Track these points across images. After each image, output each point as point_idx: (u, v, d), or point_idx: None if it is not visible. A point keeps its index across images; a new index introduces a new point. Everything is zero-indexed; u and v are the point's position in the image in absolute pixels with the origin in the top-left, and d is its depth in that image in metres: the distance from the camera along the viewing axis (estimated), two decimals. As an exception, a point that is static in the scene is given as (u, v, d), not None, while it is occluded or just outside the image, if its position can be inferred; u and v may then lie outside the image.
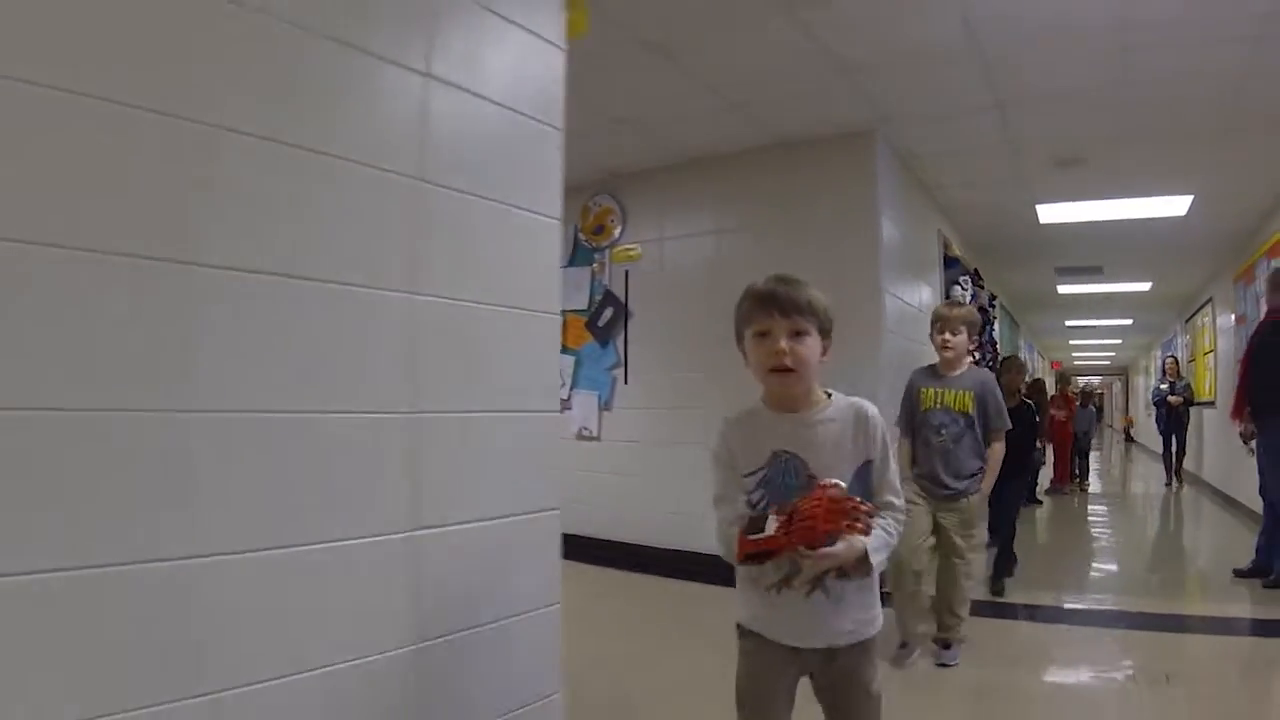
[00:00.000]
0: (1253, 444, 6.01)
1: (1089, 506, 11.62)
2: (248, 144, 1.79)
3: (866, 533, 1.87)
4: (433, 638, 2.14)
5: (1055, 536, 9.16)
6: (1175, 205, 7.72)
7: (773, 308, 1.97)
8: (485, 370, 2.33)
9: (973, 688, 3.91)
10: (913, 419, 4.27)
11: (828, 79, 4.92)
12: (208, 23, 1.73)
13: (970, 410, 4.13)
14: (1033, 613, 5.29)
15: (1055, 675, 4.23)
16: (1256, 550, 6.01)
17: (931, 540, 4.15)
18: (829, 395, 2.09)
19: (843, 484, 1.86)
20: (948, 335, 4.20)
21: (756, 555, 1.85)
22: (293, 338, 1.87)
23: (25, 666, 1.44)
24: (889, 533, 1.98)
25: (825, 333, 2.04)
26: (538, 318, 2.51)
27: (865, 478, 2.02)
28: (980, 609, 4.97)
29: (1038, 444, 7.65)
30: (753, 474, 2.01)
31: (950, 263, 8.18)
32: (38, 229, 1.47)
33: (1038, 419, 7.05)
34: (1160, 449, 13.73)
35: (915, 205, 6.97)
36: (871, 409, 2.06)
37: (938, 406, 4.18)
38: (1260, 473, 5.98)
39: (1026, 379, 8.97)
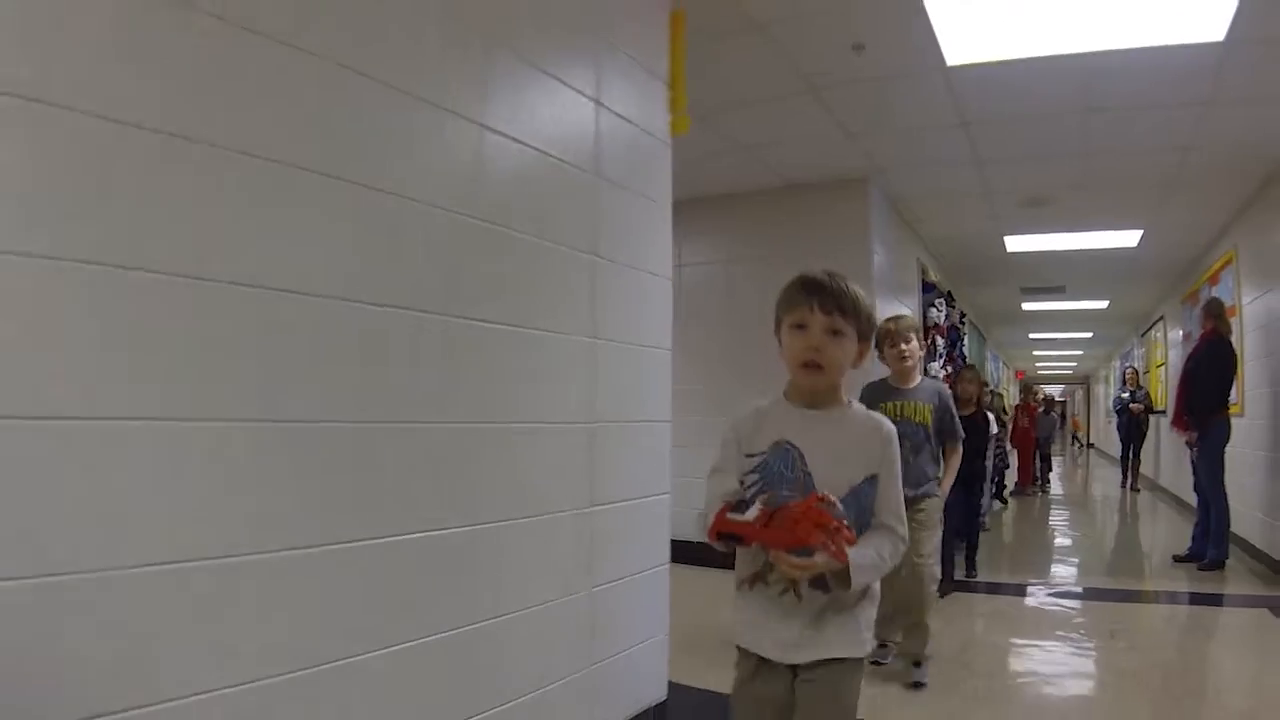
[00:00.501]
0: (1194, 448, 6.97)
1: (1051, 506, 12.64)
2: (527, 243, 2.67)
3: (839, 557, 1.79)
4: (601, 584, 3.04)
5: (1019, 529, 10.16)
6: (1127, 238, 8.77)
7: (814, 300, 1.96)
8: (631, 390, 3.24)
9: (956, 645, 4.83)
10: None
11: (834, 139, 5.87)
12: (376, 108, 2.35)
13: (929, 422, 4.15)
14: (999, 588, 6.28)
15: (1020, 634, 5.16)
16: (1193, 539, 7.02)
17: None
18: (849, 403, 2.08)
19: (838, 503, 1.84)
20: (902, 345, 4.17)
21: (727, 535, 1.85)
22: (525, 371, 2.75)
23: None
24: (882, 556, 1.93)
25: (864, 336, 2.03)
26: (658, 352, 3.43)
27: (866, 494, 1.98)
28: (957, 584, 5.98)
29: (988, 453, 7.73)
30: (754, 456, 1.98)
31: (927, 287, 9.18)
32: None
33: (997, 428, 8.02)
34: (1119, 454, 14.72)
35: (899, 238, 7.95)
36: (889, 427, 2.03)
37: (898, 418, 3.99)
38: (1194, 471, 6.99)
39: (989, 391, 9.72)
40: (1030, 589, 6.37)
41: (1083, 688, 4.20)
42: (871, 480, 1.97)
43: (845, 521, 1.81)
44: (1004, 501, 11.96)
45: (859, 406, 2.07)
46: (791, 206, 6.94)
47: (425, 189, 2.33)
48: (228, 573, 1.82)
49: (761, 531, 1.79)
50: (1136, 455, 13.76)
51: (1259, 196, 7.03)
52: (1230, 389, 6.74)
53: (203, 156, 1.78)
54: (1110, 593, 6.26)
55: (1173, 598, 6.09)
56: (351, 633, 2.10)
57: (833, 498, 1.82)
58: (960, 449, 4.35)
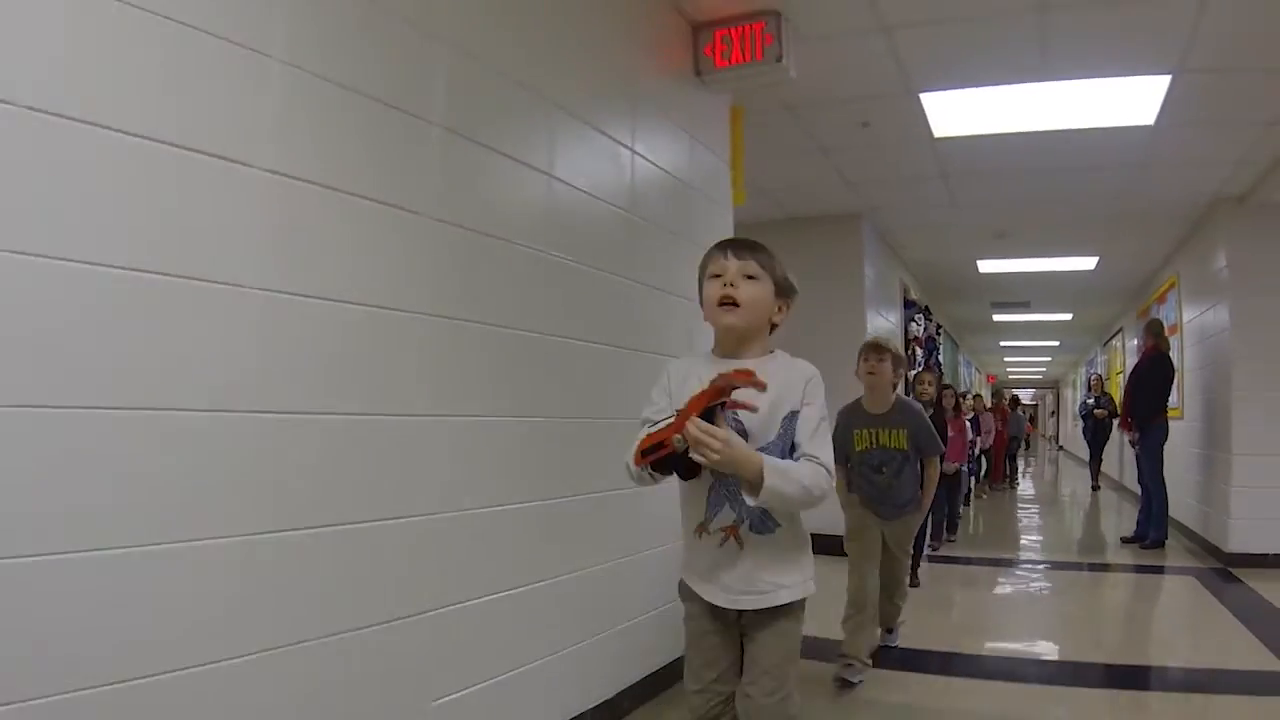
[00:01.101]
0: (1136, 446, 8.20)
1: (1019, 499, 13.82)
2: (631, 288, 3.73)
3: (752, 380, 1.82)
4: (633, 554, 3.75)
5: (993, 517, 11.31)
6: (1085, 263, 9.97)
7: (727, 249, 2.06)
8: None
9: (940, 597, 5.94)
10: (847, 454, 4.16)
11: (836, 186, 7.00)
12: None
13: (906, 446, 4.10)
14: (974, 560, 7.43)
15: (993, 590, 6.31)
16: (1138, 523, 8.22)
17: (879, 552, 4.25)
18: (774, 351, 2.12)
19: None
20: (872, 362, 4.11)
21: (651, 450, 1.86)
22: (614, 378, 3.63)
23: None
24: (802, 474, 1.90)
25: (781, 292, 2.09)
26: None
27: (790, 427, 2.00)
28: (936, 559, 7.16)
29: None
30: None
31: (908, 304, 10.37)
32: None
33: (972, 434, 9.16)
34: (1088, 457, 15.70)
35: (886, 263, 9.09)
36: (813, 369, 2.07)
37: (874, 446, 4.13)
38: (1139, 465, 8.19)
39: (957, 392, 10.56)
40: (1000, 560, 7.59)
41: (1040, 625, 5.35)
42: (794, 416, 2.00)
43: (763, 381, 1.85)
44: (979, 496, 13.04)
45: (784, 354, 2.11)
46: (795, 237, 7.98)
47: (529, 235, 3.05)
48: (486, 520, 2.83)
49: (676, 421, 1.82)
50: (1100, 457, 14.60)
51: (1195, 232, 8.24)
52: (1168, 397, 7.95)
53: (425, 228, 2.57)
54: (1066, 564, 7.53)
55: (1117, 567, 7.32)
56: (530, 565, 3.02)
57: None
58: (939, 462, 4.34)
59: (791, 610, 2.06)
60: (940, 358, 12.37)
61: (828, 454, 1.97)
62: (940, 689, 3.96)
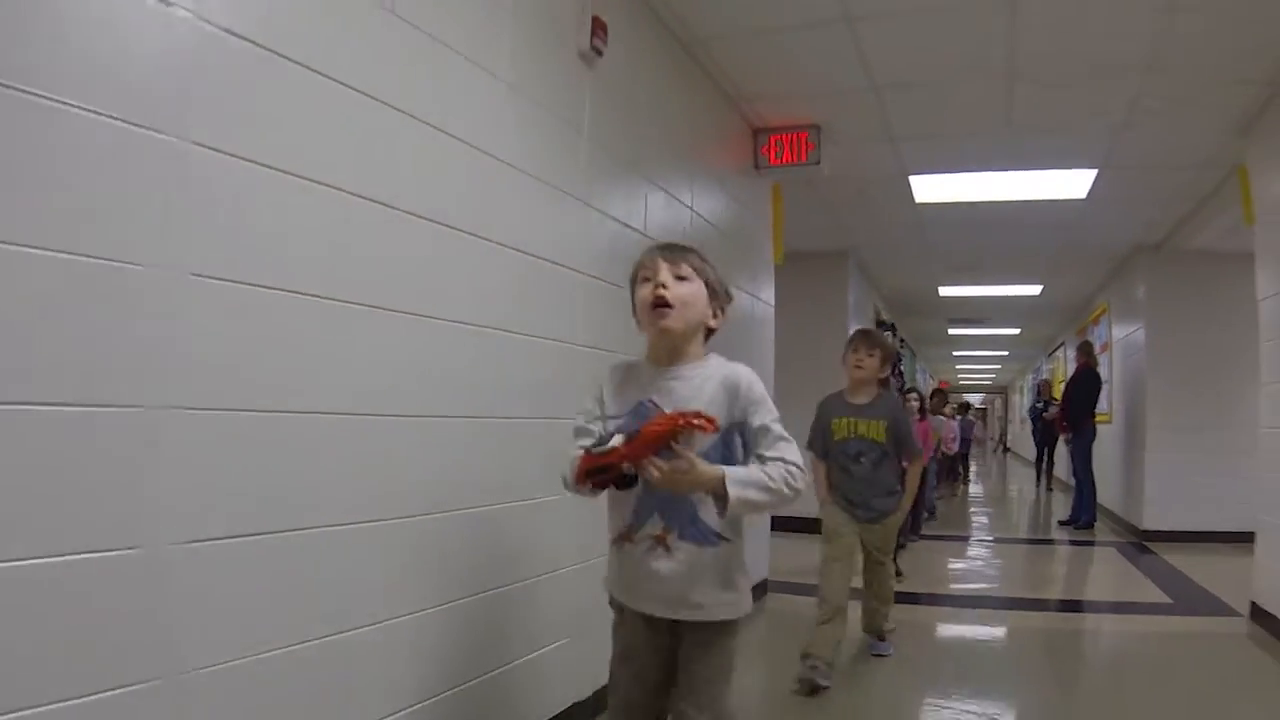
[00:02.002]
0: (1070, 445, 9.99)
1: (970, 497, 15.56)
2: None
3: (708, 427, 1.74)
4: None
5: (950, 507, 12.98)
6: (1031, 289, 11.70)
7: (657, 251, 1.99)
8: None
9: (916, 561, 7.49)
10: (826, 445, 4.20)
11: (832, 231, 8.61)
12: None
13: (884, 439, 4.08)
14: (940, 536, 9.10)
15: (956, 556, 7.94)
16: (1072, 508, 9.96)
17: (857, 556, 4.22)
18: (708, 357, 2.03)
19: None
20: (862, 355, 4.11)
21: (594, 471, 1.79)
22: None
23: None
24: (770, 476, 1.82)
25: (715, 294, 2.02)
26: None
27: (734, 444, 1.94)
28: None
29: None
30: (616, 418, 1.96)
31: (879, 323, 12.04)
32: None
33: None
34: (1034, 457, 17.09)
35: (863, 289, 10.72)
36: (746, 373, 1.96)
37: (852, 436, 4.12)
38: (1072, 459, 9.99)
39: (921, 395, 11.97)
40: (958, 537, 9.24)
41: (991, 578, 7.00)
42: (736, 427, 1.92)
43: (702, 410, 1.78)
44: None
45: (717, 358, 2.02)
46: (793, 268, 9.33)
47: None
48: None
49: (629, 449, 1.74)
50: (1050, 458, 15.37)
51: (1121, 269, 9.98)
52: (1096, 404, 9.71)
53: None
54: (1013, 539, 9.34)
55: (1055, 542, 9.13)
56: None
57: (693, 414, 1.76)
58: (919, 464, 4.36)
59: (728, 628, 1.95)
60: (903, 368, 14.05)
61: (793, 452, 1.88)
62: (924, 614, 5.54)
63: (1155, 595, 6.16)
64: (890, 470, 4.17)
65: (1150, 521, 8.60)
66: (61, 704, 1.52)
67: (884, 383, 4.72)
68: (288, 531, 2.03)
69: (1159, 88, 4.76)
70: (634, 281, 2.04)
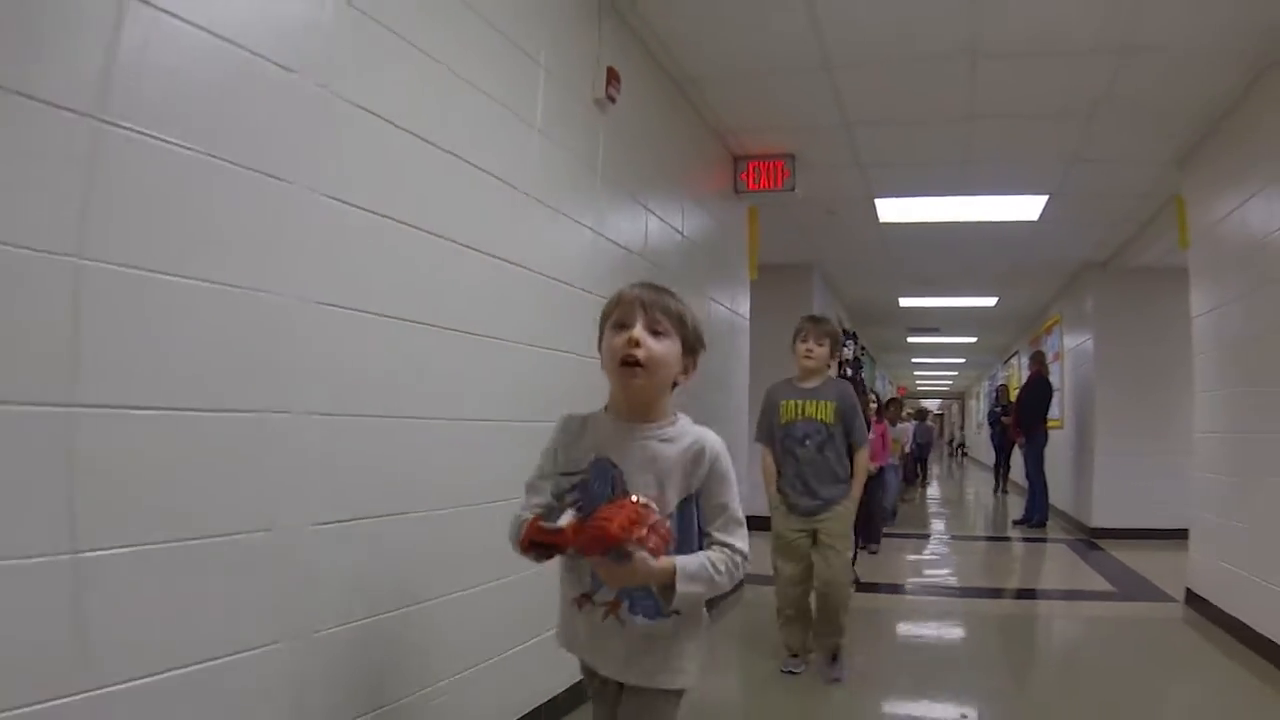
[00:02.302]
0: (1023, 449, 10.58)
1: (929, 499, 16.17)
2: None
3: (657, 552, 1.63)
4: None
5: (911, 507, 13.58)
6: (987, 301, 12.30)
7: (637, 301, 1.80)
8: (724, 411, 6.30)
9: (883, 556, 8.00)
10: (773, 431, 4.14)
11: (799, 245, 9.10)
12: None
13: (831, 420, 4.01)
14: (903, 534, 9.62)
15: (919, 552, 8.45)
16: (1025, 508, 10.55)
17: (809, 561, 4.11)
18: (676, 417, 1.89)
19: (655, 506, 1.66)
20: (811, 344, 4.08)
21: (539, 545, 1.68)
22: None
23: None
24: (716, 568, 1.75)
25: (689, 349, 1.86)
26: (740, 393, 6.53)
27: (689, 513, 1.83)
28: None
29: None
30: (571, 474, 1.85)
31: (843, 333, 12.57)
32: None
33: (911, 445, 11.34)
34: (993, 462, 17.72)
35: (827, 299, 11.23)
36: (713, 442, 1.85)
37: (799, 418, 4.06)
38: (1025, 462, 10.59)
39: (880, 398, 12.36)
40: (920, 535, 9.78)
41: (950, 570, 7.51)
42: (695, 497, 1.82)
43: (664, 519, 1.67)
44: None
45: (686, 422, 1.89)
46: (761, 279, 9.96)
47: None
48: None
49: (574, 536, 1.63)
50: (1007, 462, 15.46)
51: (1071, 283, 10.59)
52: (1048, 410, 10.31)
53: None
54: (970, 536, 9.94)
55: (1009, 540, 9.68)
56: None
57: (651, 503, 1.65)
58: (867, 450, 4.21)
59: (670, 696, 1.88)
60: (863, 374, 14.60)
61: (742, 538, 1.82)
62: (893, 601, 6.04)
63: (1101, 585, 6.70)
64: (836, 456, 4.05)
65: (1098, 520, 9.19)
66: (212, 661, 1.90)
67: (853, 380, 4.58)
68: (395, 515, 2.49)
69: (1106, 127, 5.30)
70: (605, 318, 1.87)
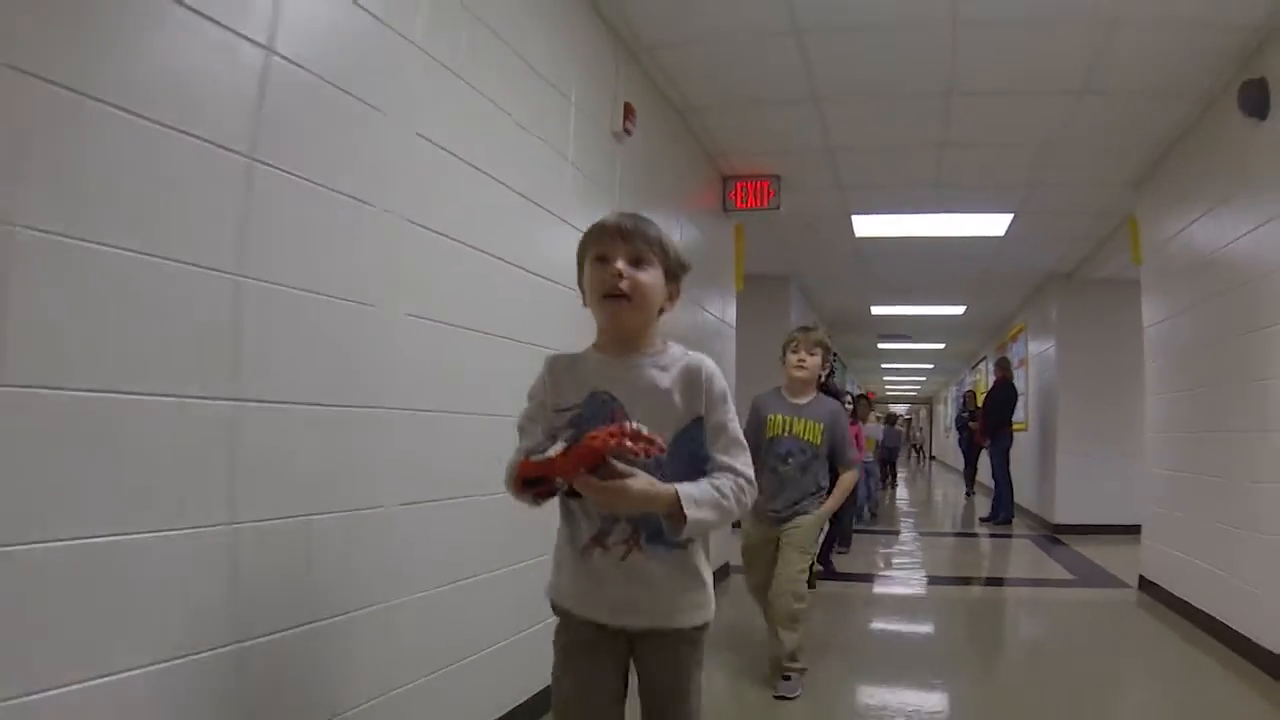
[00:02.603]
0: (988, 451, 11.16)
1: (898, 499, 16.75)
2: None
3: (650, 451, 1.52)
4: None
5: (886, 508, 14.15)
6: (956, 309, 12.87)
7: (616, 231, 1.76)
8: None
9: (856, 551, 8.49)
10: (758, 443, 3.88)
11: (779, 260, 9.59)
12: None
13: (818, 443, 3.91)
14: (875, 531, 10.13)
15: (890, 546, 8.95)
16: (992, 507, 11.12)
17: (770, 574, 3.95)
18: (665, 344, 1.84)
19: (645, 429, 1.53)
20: (803, 355, 3.99)
21: (533, 481, 1.62)
22: None
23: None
24: (723, 493, 1.68)
25: (672, 275, 1.83)
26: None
27: (695, 438, 1.75)
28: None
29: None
30: (566, 410, 1.79)
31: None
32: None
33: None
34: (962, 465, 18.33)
35: (804, 308, 11.74)
36: (708, 364, 1.79)
37: (785, 434, 3.95)
38: (992, 463, 11.20)
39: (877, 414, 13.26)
40: (892, 532, 10.30)
41: (920, 563, 8.01)
42: (698, 422, 1.76)
43: (654, 434, 1.53)
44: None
45: (676, 346, 1.84)
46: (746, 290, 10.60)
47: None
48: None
49: (563, 461, 1.56)
50: (975, 464, 15.79)
51: (1036, 294, 11.18)
52: (1013, 414, 10.91)
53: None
54: (940, 532, 10.56)
55: (975, 536, 10.26)
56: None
57: (641, 427, 1.53)
58: (855, 473, 4.10)
59: (697, 634, 1.83)
60: (835, 380, 15.12)
61: (744, 460, 1.77)
62: (865, 590, 6.54)
63: (1062, 574, 7.24)
64: (815, 475, 3.95)
65: (1061, 516, 9.76)
66: (323, 621, 2.26)
67: (825, 386, 4.58)
68: (460, 498, 2.91)
69: (1067, 154, 5.83)
70: (583, 254, 1.84)
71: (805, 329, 4.18)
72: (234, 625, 1.97)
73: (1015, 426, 10.94)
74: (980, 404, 12.86)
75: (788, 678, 3.85)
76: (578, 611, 1.82)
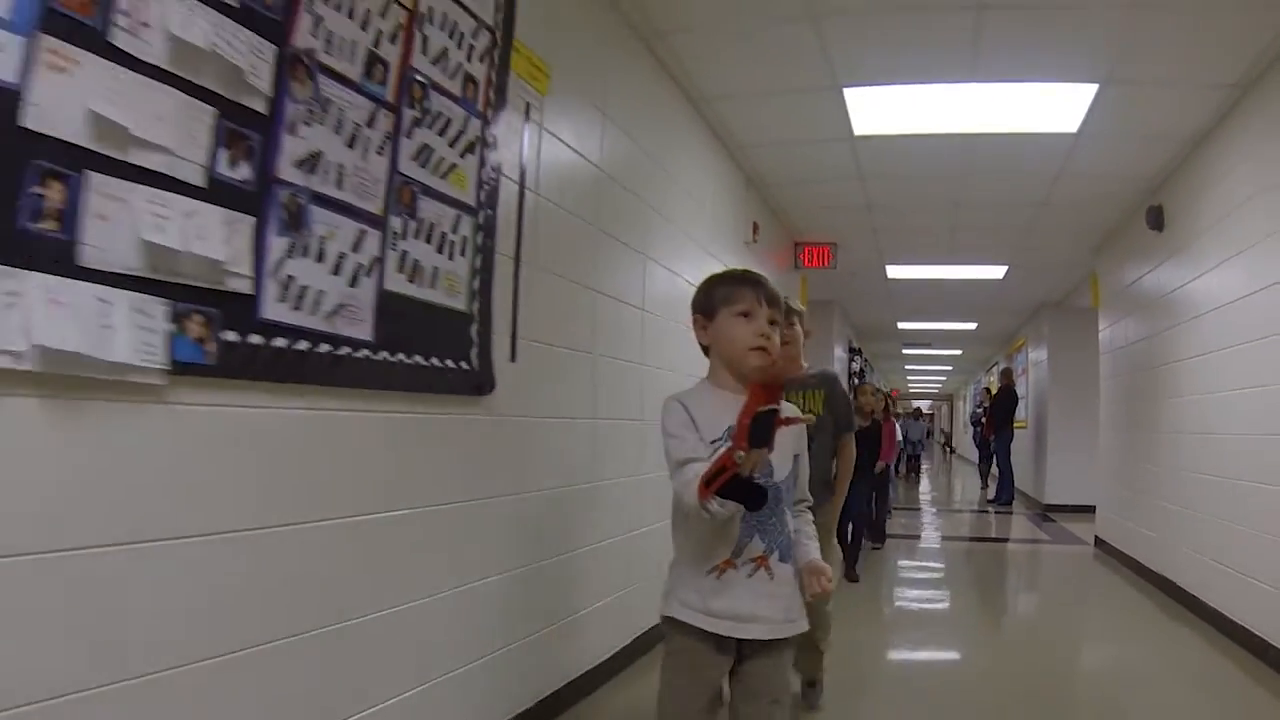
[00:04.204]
0: (993, 445, 13.60)
1: (921, 487, 19.14)
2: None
3: (778, 376, 1.82)
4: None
5: (907, 490, 16.55)
6: (969, 326, 15.27)
7: (760, 294, 2.04)
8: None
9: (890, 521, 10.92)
10: None
11: (826, 290, 11.97)
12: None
13: (821, 410, 3.57)
14: (897, 509, 12.54)
15: (910, 519, 11.34)
16: (997, 491, 13.52)
17: None
18: None
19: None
20: (784, 329, 3.06)
21: (714, 478, 1.74)
22: None
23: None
24: (815, 537, 2.12)
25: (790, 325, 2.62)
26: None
27: (799, 470, 2.09)
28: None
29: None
30: (716, 441, 1.94)
31: (850, 350, 15.50)
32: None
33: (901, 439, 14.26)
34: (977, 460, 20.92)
35: (842, 324, 14.15)
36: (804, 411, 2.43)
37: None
38: (996, 456, 13.59)
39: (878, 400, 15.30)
40: (914, 509, 12.74)
41: (937, 529, 10.46)
42: (799, 458, 2.09)
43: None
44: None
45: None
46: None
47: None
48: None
49: (735, 444, 1.68)
50: (988, 460, 16.46)
51: (1032, 317, 13.61)
52: (1014, 414, 13.34)
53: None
54: (954, 509, 13.04)
55: (979, 513, 12.81)
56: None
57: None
58: (853, 442, 3.78)
59: (790, 644, 2.06)
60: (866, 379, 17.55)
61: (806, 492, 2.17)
62: (897, 542, 8.97)
63: (1042, 536, 9.76)
64: (822, 450, 3.55)
65: (1050, 498, 12.21)
66: (448, 591, 2.80)
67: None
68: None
69: (1042, 234, 8.22)
70: (722, 302, 2.08)
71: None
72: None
73: (1017, 424, 13.32)
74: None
75: (813, 684, 3.77)
76: (704, 625, 2.00)
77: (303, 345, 2.01)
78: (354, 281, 2.17)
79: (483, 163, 2.75)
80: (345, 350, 2.15)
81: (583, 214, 3.74)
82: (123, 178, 1.58)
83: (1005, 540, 9.85)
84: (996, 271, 10.13)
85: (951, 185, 6.99)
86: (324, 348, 2.07)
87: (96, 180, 1.53)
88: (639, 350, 4.45)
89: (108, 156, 1.55)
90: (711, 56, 4.71)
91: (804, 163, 6.64)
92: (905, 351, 21.13)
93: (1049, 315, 12.54)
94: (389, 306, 2.30)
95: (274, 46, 1.89)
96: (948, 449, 38.34)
